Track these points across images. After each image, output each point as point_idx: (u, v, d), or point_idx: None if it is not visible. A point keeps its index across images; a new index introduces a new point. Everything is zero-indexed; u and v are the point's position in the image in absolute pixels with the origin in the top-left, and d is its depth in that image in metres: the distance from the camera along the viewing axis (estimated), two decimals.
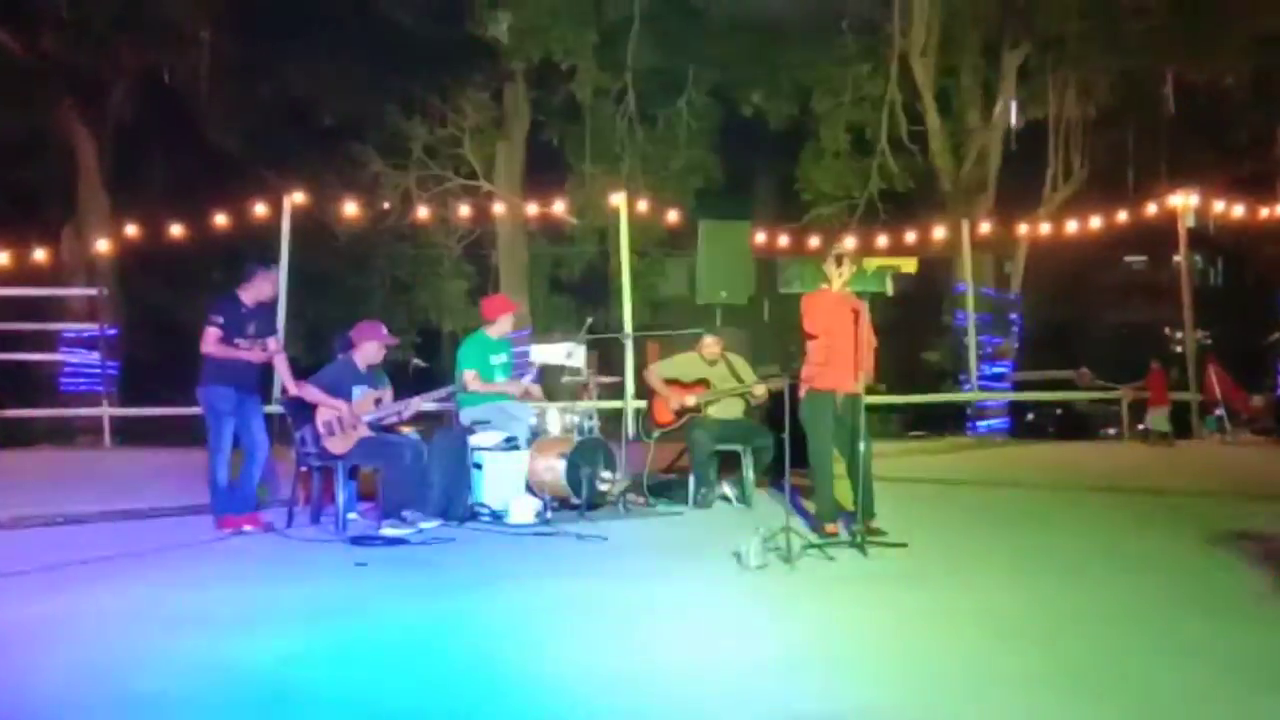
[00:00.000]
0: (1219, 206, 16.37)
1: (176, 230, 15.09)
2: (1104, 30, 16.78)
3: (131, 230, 15.55)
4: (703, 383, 8.09)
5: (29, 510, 7.42)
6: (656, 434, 8.14)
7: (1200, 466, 11.47)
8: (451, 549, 6.19)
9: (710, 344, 8.10)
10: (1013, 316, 18.60)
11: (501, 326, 8.05)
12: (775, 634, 4.18)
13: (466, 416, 7.77)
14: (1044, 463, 12.15)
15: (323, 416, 6.81)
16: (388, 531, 6.53)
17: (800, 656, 3.85)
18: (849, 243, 12.03)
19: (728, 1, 17.26)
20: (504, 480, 7.32)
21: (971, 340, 16.17)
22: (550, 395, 8.88)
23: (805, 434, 6.35)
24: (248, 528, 6.70)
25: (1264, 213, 16.32)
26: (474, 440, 7.47)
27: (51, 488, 9.30)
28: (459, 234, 19.13)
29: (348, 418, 6.81)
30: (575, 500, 7.21)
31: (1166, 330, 22.80)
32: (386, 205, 17.68)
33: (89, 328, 16.50)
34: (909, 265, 19.37)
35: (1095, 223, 16.32)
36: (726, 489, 8.07)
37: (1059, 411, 19.46)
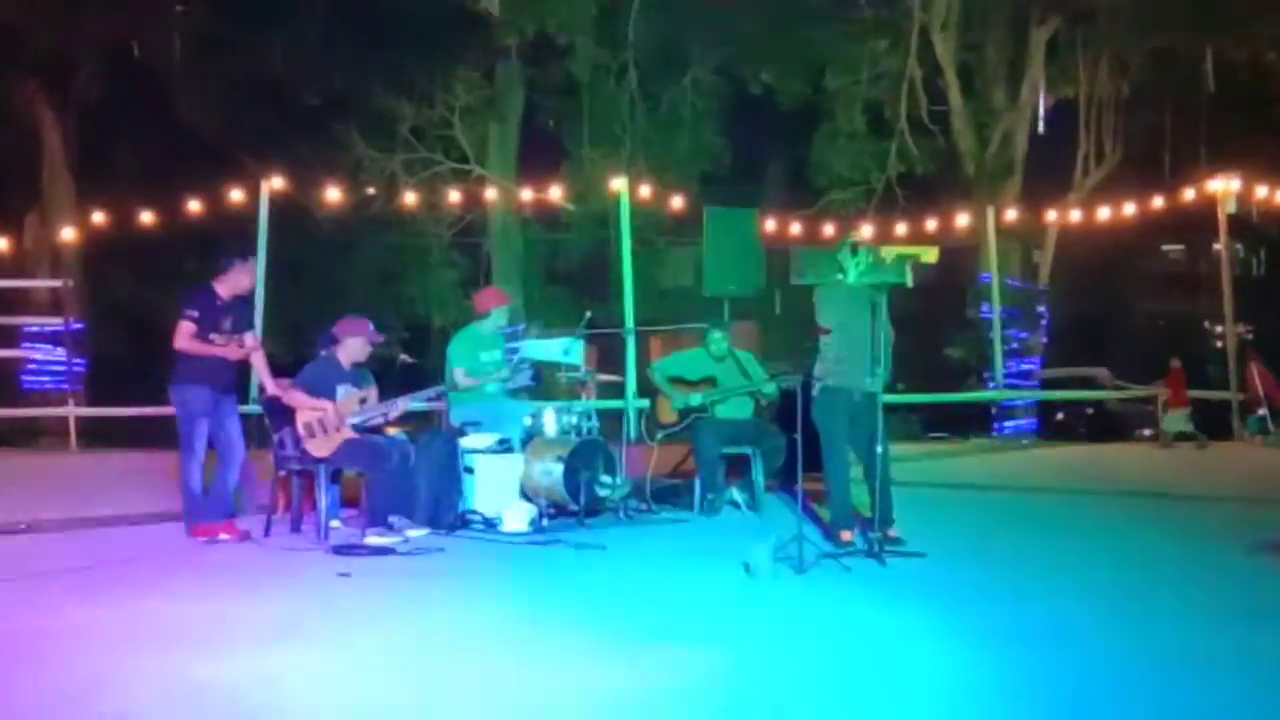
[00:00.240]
0: (1262, 191, 16.33)
1: (147, 218, 15.09)
2: (1138, 2, 16.73)
3: (99, 218, 15.55)
4: (709, 380, 8.08)
5: None
6: (660, 435, 8.13)
7: (1240, 470, 11.46)
8: (441, 559, 6.19)
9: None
10: (1041, 309, 18.56)
11: (494, 321, 8.05)
12: (786, 650, 4.17)
13: (457, 417, 7.77)
14: (1074, 466, 12.15)
15: (304, 417, 6.81)
16: (372, 540, 6.52)
17: (813, 674, 3.84)
18: (866, 230, 12.02)
19: None
20: (497, 485, 7.31)
21: (997, 335, 16.15)
22: (547, 394, 8.88)
23: (819, 435, 6.34)
24: (223, 536, 6.69)
25: None
26: (465, 442, 7.46)
27: (13, 493, 9.28)
28: (449, 222, 19.09)
29: (331, 418, 6.81)
30: (573, 507, 7.19)
31: (1205, 324, 22.78)
32: (371, 191, 17.67)
33: (53, 322, 16.50)
34: (930, 254, 19.16)
35: (1129, 209, 16.30)
36: (735, 494, 8.06)
37: (1090, 411, 19.42)
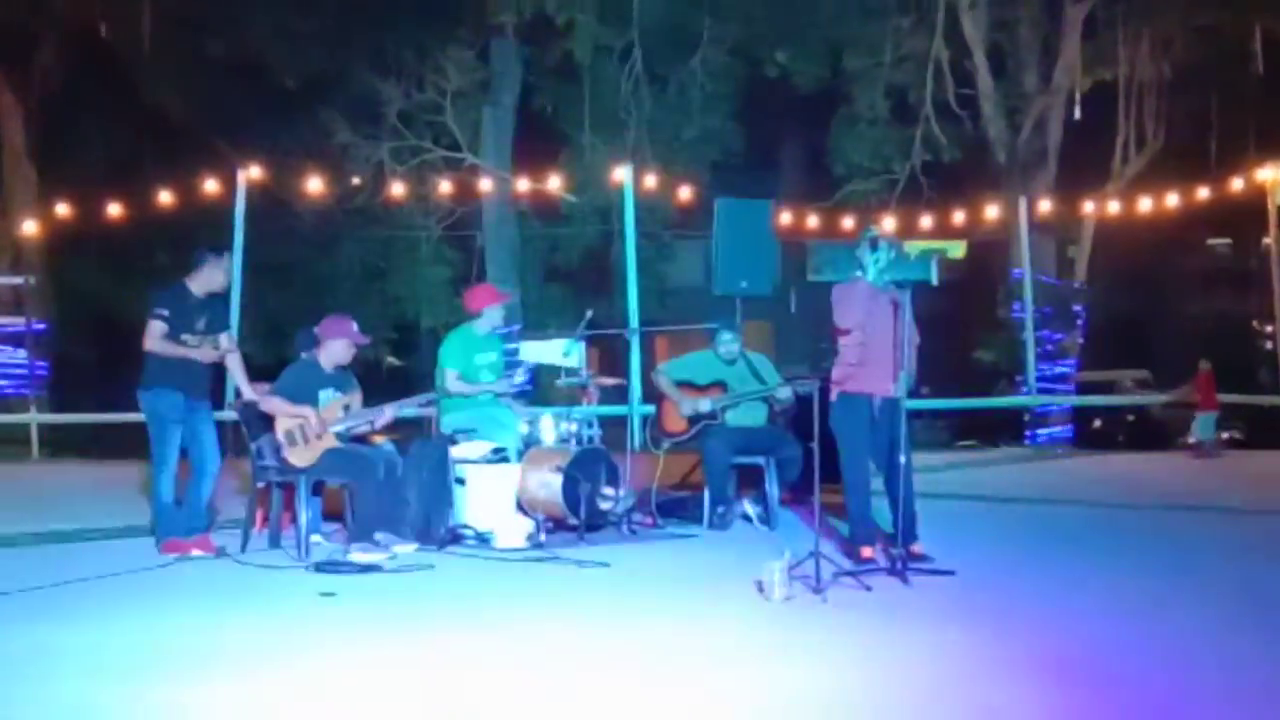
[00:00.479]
0: None
1: (115, 210, 15.14)
2: None
3: (63, 210, 15.60)
4: (719, 385, 8.08)
5: None
6: (666, 444, 8.15)
7: None
8: (430, 578, 6.19)
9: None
10: (1077, 308, 18.56)
11: (489, 320, 8.05)
12: (803, 676, 4.17)
13: (448, 424, 7.77)
14: (1112, 477, 12.13)
15: (283, 425, 6.81)
16: (357, 557, 6.52)
17: (832, 703, 3.84)
18: (888, 223, 12.04)
19: None
20: (491, 498, 7.30)
21: (1029, 336, 16.16)
22: (545, 399, 8.89)
23: (837, 444, 6.34)
24: (196, 552, 6.69)
25: None
26: (456, 452, 7.47)
27: None
28: (439, 214, 19.11)
29: (313, 426, 6.82)
30: (573, 521, 7.19)
31: (1254, 324, 22.77)
32: (356, 181, 17.71)
33: (14, 322, 16.58)
34: (957, 249, 19.27)
35: (1172, 200, 16.30)
36: (747, 507, 8.07)
37: (1130, 418, 19.43)
